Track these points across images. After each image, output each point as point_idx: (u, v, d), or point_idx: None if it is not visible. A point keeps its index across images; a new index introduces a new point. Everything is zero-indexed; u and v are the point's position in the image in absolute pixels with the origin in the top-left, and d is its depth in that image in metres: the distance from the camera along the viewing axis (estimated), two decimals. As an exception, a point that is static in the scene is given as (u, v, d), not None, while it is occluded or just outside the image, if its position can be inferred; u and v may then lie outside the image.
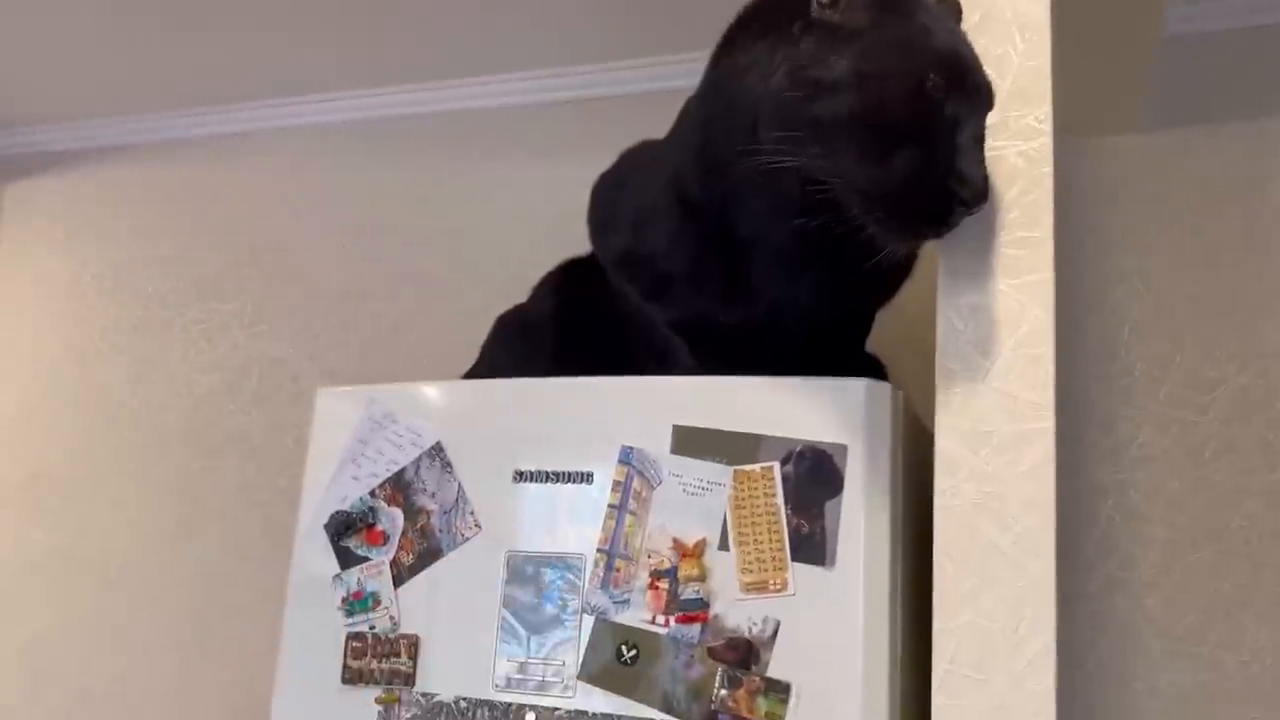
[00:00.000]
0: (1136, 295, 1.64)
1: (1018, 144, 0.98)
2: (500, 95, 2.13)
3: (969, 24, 1.01)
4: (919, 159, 0.87)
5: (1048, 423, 0.92)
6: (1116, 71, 1.57)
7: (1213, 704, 1.48)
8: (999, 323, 0.95)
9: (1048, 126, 0.98)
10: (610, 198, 1.26)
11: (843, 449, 1.00)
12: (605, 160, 2.00)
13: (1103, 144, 1.70)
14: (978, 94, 0.92)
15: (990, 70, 0.99)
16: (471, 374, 1.50)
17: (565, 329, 1.41)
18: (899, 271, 1.13)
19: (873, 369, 1.17)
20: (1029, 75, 0.99)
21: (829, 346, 1.18)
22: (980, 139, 0.91)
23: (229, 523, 2.11)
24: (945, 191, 0.87)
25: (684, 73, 1.95)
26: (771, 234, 1.06)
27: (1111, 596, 1.56)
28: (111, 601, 2.15)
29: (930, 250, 1.01)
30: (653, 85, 1.98)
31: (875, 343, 1.29)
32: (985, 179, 0.90)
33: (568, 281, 1.46)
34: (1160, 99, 1.67)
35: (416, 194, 2.17)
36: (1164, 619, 1.53)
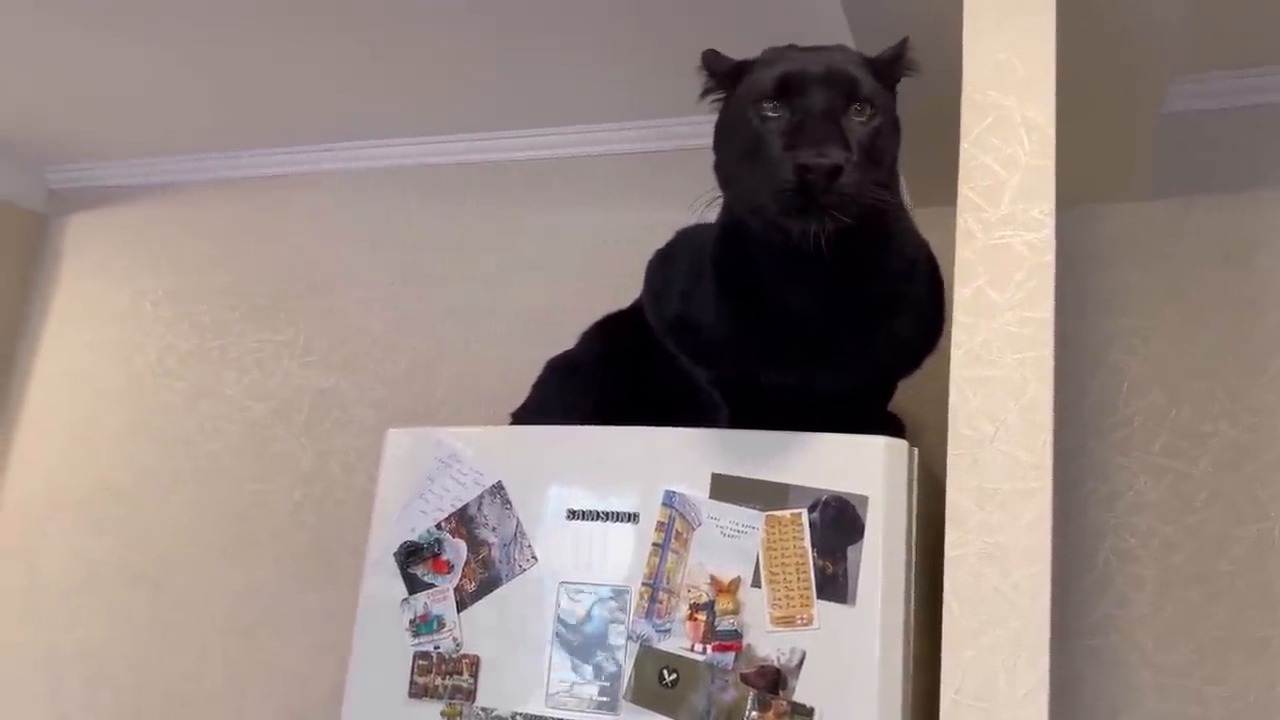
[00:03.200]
0: (1135, 353, 1.76)
1: (1023, 234, 1.11)
2: (533, 149, 2.28)
3: (983, 128, 1.15)
4: (760, 161, 1.09)
5: (1045, 482, 1.04)
6: (1121, 145, 1.69)
7: (1199, 736, 1.60)
8: (1004, 393, 1.08)
9: (1050, 220, 1.11)
10: (665, 272, 1.39)
11: (864, 499, 1.13)
12: (628, 211, 2.17)
13: (1107, 211, 1.83)
14: (805, 84, 1.10)
15: (999, 168, 1.13)
16: (522, 411, 1.63)
17: (608, 376, 1.54)
18: (923, 347, 1.27)
19: (893, 427, 1.30)
20: (1035, 174, 1.13)
21: (856, 407, 1.32)
22: (829, 110, 1.08)
23: (278, 541, 2.24)
24: (793, 168, 1.04)
25: (696, 133, 2.12)
26: (796, 302, 1.20)
27: (1106, 633, 1.68)
28: (165, 612, 2.29)
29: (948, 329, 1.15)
30: (671, 144, 2.14)
31: (903, 405, 1.43)
32: (823, 138, 1.06)
33: (611, 333, 1.59)
34: (1161, 171, 1.80)
35: (456, 237, 2.31)
36: (1154, 655, 1.65)
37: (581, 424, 1.37)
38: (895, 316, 1.23)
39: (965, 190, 1.15)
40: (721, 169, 1.18)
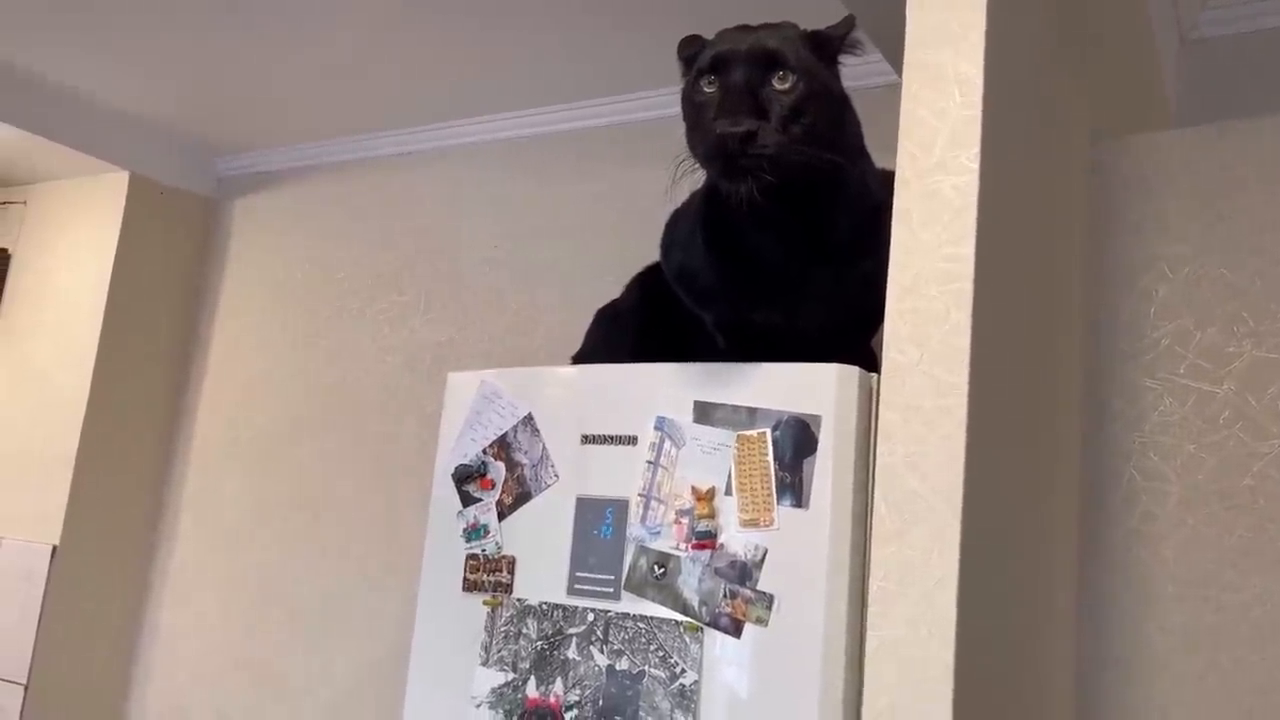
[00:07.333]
0: (1164, 277, 1.82)
1: (951, 179, 1.24)
2: (618, 114, 2.48)
3: (921, 84, 1.27)
4: (700, 130, 1.28)
5: (962, 399, 1.18)
6: (1145, 73, 1.74)
7: (1217, 643, 1.68)
8: (929, 321, 1.22)
9: (975, 165, 1.23)
10: (672, 227, 1.58)
11: (817, 419, 1.30)
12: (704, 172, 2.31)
13: (1136, 140, 1.87)
14: (732, 58, 1.28)
15: (933, 119, 1.26)
16: (578, 355, 1.86)
17: (644, 320, 1.74)
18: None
19: (868, 361, 1.45)
20: (963, 124, 1.25)
21: (839, 343, 1.48)
22: (747, 83, 1.26)
23: (409, 476, 2.57)
24: (715, 136, 1.23)
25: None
26: (766, 249, 1.37)
27: (1131, 547, 1.76)
28: (318, 537, 2.67)
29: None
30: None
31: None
32: (737, 108, 1.23)
33: (649, 281, 1.79)
34: (1190, 97, 1.83)
35: (550, 203, 2.55)
36: (1177, 567, 1.73)
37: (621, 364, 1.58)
38: (861, 258, 1.38)
39: (904, 143, 1.28)
40: (687, 137, 1.36)
